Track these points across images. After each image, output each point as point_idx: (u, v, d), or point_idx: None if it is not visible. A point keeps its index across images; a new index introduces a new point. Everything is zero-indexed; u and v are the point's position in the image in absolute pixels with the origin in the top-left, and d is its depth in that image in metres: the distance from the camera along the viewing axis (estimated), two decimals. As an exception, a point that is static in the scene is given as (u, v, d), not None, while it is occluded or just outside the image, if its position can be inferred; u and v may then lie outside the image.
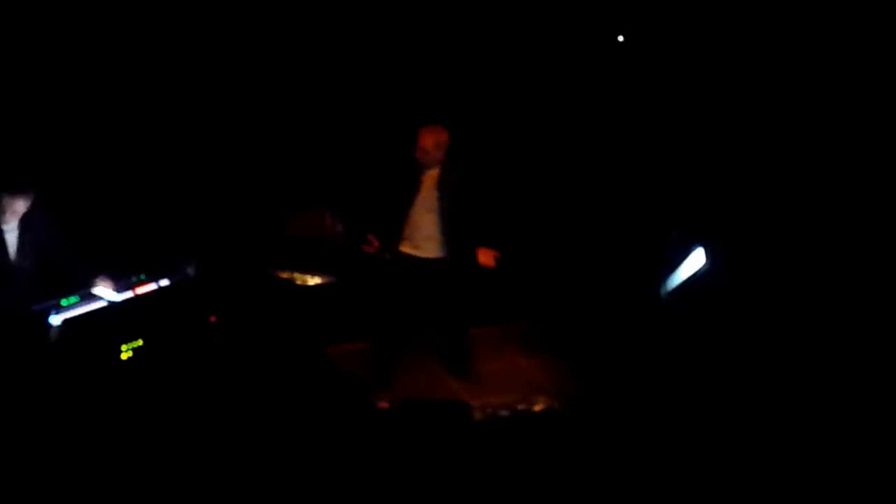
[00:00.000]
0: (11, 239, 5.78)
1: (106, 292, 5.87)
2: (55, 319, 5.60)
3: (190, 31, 7.57)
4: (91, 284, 5.87)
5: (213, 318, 6.04)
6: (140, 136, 7.56)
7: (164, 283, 6.01)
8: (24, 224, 5.78)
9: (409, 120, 6.73)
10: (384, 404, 6.02)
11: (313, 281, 6.71)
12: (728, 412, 5.59)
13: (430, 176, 6.54)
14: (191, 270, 6.09)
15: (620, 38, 7.94)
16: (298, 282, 6.70)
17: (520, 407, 6.27)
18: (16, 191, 5.60)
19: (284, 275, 6.71)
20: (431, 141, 6.42)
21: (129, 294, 5.92)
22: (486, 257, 6.43)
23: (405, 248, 6.60)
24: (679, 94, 7.39)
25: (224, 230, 7.50)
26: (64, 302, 5.71)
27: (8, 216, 5.68)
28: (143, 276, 6.02)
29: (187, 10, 7.52)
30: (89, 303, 5.79)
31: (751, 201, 6.44)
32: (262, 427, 5.51)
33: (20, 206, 5.64)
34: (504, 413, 6.18)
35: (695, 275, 6.15)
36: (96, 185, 7.19)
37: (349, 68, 8.00)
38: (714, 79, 7.20)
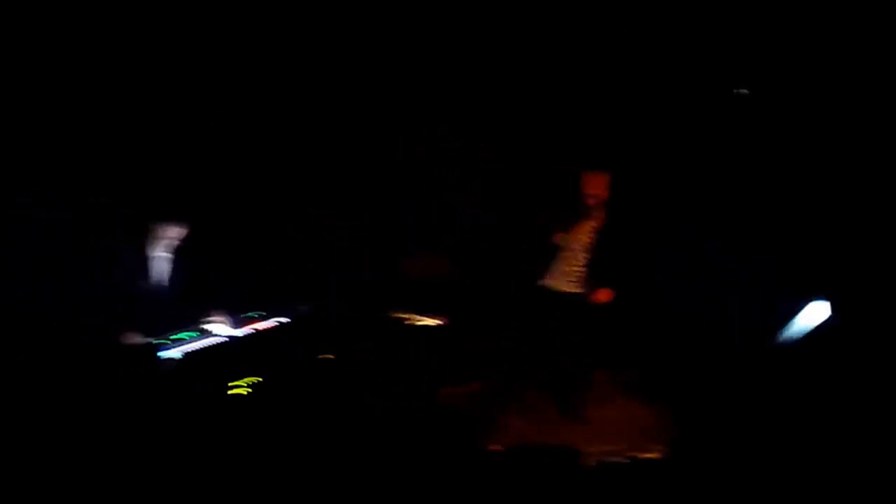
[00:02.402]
0: (159, 265, 5.99)
1: (222, 328, 5.90)
2: (171, 353, 5.64)
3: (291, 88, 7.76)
4: (207, 320, 5.92)
5: (328, 357, 6.00)
6: (257, 175, 7.69)
7: (281, 320, 6.00)
8: (172, 254, 6.01)
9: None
10: (495, 447, 5.86)
11: (428, 322, 6.64)
12: (845, 467, 5.22)
13: (594, 220, 6.57)
14: (307, 308, 6.07)
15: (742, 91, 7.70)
16: (413, 322, 6.63)
17: (631, 454, 6.01)
18: (172, 220, 5.88)
19: (400, 315, 6.65)
20: (601, 186, 6.49)
21: (245, 330, 5.93)
22: (603, 295, 6.46)
23: (546, 282, 6.63)
24: (803, 148, 7.11)
25: (340, 269, 7.50)
26: (180, 336, 5.76)
27: (160, 243, 5.89)
28: (259, 313, 6.02)
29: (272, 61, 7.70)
30: (206, 338, 5.83)
31: (870, 256, 6.13)
32: (375, 466, 5.41)
33: (173, 234, 5.89)
34: (615, 460, 5.93)
35: (812, 326, 5.87)
36: (215, 222, 7.29)
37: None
38: (839, 133, 6.90)
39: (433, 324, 6.66)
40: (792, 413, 5.79)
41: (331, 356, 6.00)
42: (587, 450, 5.93)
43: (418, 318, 6.67)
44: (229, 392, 5.65)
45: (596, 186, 6.50)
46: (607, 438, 6.30)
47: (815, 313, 5.82)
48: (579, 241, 6.58)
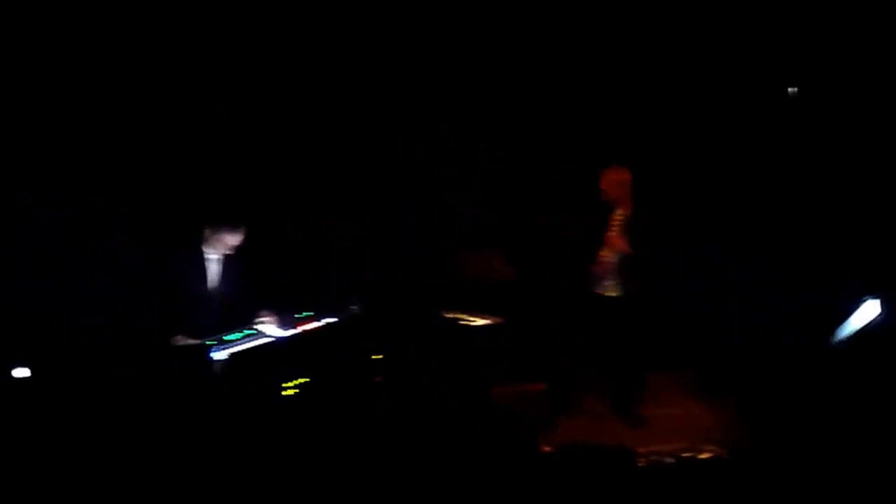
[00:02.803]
0: (214, 268, 5.85)
1: (270, 328, 5.79)
2: (220, 354, 5.50)
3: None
4: (256, 320, 5.80)
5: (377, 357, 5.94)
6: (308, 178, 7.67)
7: (329, 320, 5.92)
8: (227, 257, 5.86)
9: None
10: (548, 448, 5.86)
11: (480, 321, 6.63)
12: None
13: (618, 216, 6.68)
14: (356, 308, 6.00)
15: (792, 90, 7.85)
16: (464, 322, 6.61)
17: (686, 454, 6.06)
18: (236, 226, 5.73)
19: (451, 315, 6.63)
20: (609, 182, 6.66)
21: (293, 331, 5.83)
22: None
23: (592, 286, 6.79)
24: (854, 146, 7.27)
25: (390, 269, 7.47)
26: (229, 337, 5.63)
27: (220, 247, 5.77)
28: (307, 313, 5.93)
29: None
30: (254, 338, 5.71)
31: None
32: (424, 466, 5.37)
33: (235, 240, 5.75)
34: (669, 460, 5.97)
35: (867, 325, 5.98)
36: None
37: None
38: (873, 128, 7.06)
39: (486, 323, 6.64)
40: (845, 412, 5.86)
41: (380, 356, 5.91)
42: (641, 450, 5.97)
43: (471, 317, 6.65)
44: (280, 393, 5.55)
45: (607, 183, 6.66)
46: (661, 438, 6.38)
47: (866, 312, 5.91)
48: (614, 242, 6.68)
